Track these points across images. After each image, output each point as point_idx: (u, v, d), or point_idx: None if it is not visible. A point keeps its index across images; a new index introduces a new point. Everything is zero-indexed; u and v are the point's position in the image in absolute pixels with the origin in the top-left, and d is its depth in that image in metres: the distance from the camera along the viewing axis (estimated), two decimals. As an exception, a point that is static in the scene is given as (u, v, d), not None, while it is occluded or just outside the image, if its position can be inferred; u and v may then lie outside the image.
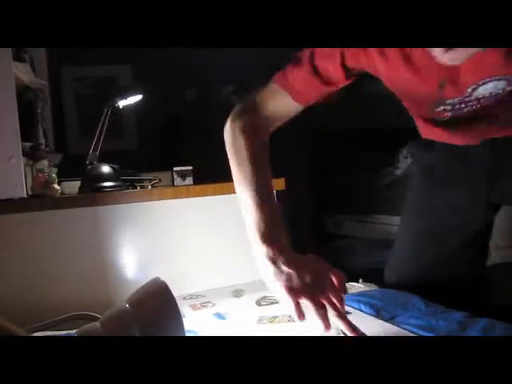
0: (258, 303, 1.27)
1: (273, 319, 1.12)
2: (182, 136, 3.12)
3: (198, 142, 2.95)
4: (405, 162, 3.00)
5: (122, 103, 1.63)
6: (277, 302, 1.26)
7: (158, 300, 0.83)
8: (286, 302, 0.87)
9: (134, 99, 1.65)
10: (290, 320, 1.10)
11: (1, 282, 1.25)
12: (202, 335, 1.05)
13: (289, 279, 0.87)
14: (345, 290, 0.89)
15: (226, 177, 1.58)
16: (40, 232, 1.31)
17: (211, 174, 1.60)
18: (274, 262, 0.90)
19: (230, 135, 1.13)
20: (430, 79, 1.01)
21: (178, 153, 2.98)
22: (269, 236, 0.95)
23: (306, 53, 1.08)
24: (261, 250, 0.93)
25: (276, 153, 1.39)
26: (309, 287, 0.86)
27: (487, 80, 0.98)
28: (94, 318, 0.96)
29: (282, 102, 1.15)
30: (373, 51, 1.01)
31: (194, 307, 1.27)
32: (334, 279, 0.89)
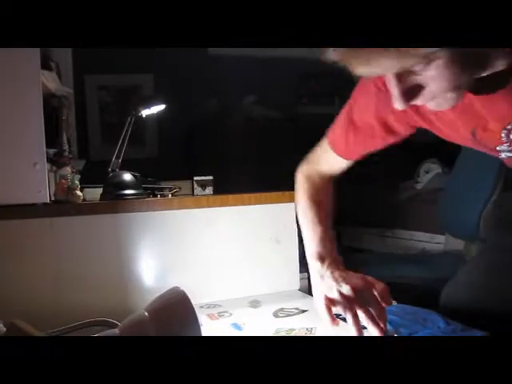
0: (275, 315, 1.27)
1: (290, 331, 1.12)
2: (202, 146, 3.14)
3: (218, 152, 2.97)
4: (426, 177, 2.97)
5: (145, 112, 1.64)
6: (294, 314, 1.26)
7: (177, 309, 0.84)
8: (320, 310, 1.00)
9: (157, 109, 1.67)
10: (308, 332, 1.09)
11: (21, 286, 1.27)
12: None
13: (329, 290, 1.00)
14: (388, 301, 0.98)
15: (246, 187, 1.59)
16: (61, 237, 1.32)
17: (231, 184, 1.61)
18: (321, 275, 1.04)
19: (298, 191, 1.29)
20: (460, 130, 0.98)
21: (199, 162, 3.00)
22: (319, 253, 1.10)
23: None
24: (313, 265, 1.08)
25: (296, 165, 1.40)
26: (346, 298, 0.97)
27: None
28: (113, 325, 0.97)
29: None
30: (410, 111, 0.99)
31: (211, 316, 1.27)
32: (376, 293, 0.97)
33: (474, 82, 0.80)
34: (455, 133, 1.01)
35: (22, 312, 1.12)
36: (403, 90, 0.77)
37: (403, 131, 1.09)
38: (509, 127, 0.92)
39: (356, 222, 3.19)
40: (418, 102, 0.79)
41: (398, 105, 0.78)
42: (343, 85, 1.11)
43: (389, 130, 1.09)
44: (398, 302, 1.35)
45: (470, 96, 0.88)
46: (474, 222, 2.14)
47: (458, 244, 2.46)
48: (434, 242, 2.75)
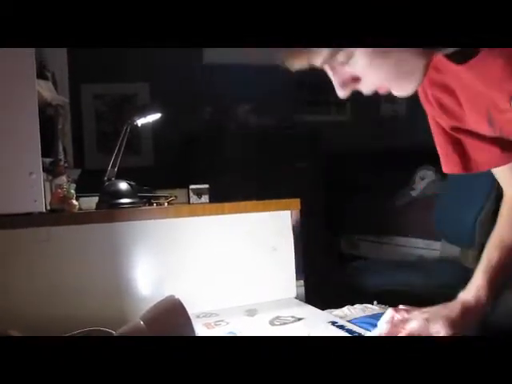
0: (272, 323, 1.27)
1: (286, 339, 1.12)
2: (198, 154, 3.15)
3: (214, 160, 2.97)
4: (421, 183, 2.98)
5: (140, 121, 1.65)
6: (290, 323, 1.26)
7: (173, 318, 0.84)
8: None
9: (153, 117, 1.67)
10: (304, 341, 1.09)
11: (16, 296, 1.27)
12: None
13: None
14: None
15: (242, 196, 1.60)
16: (57, 246, 1.32)
17: (227, 192, 1.61)
18: None
19: None
20: (478, 119, 0.94)
21: (195, 170, 3.01)
22: None
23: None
24: None
25: (292, 173, 1.40)
26: None
27: None
28: (109, 334, 0.97)
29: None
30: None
31: (207, 326, 1.27)
32: None
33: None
34: (476, 123, 0.95)
35: (17, 321, 1.11)
36: (340, 80, 0.81)
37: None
38: None
39: (353, 229, 3.20)
40: (361, 89, 0.83)
41: (339, 93, 0.83)
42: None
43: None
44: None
45: (465, 75, 0.87)
46: (471, 228, 2.15)
47: (453, 251, 2.46)
48: (430, 248, 2.76)
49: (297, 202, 1.57)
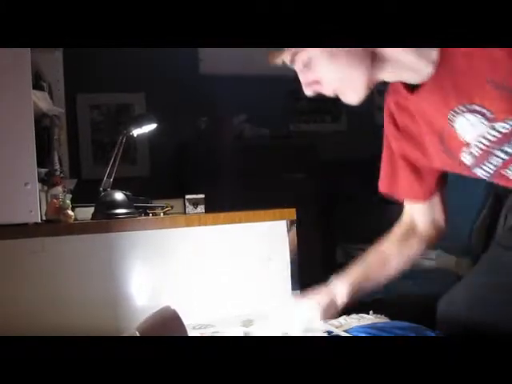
0: (268, 333, 1.26)
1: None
2: (194, 164, 3.15)
3: (210, 170, 2.97)
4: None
5: (136, 131, 1.65)
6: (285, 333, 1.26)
7: (169, 329, 0.84)
8: None
9: (149, 128, 1.67)
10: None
11: (12, 305, 1.26)
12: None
13: None
14: None
15: (238, 206, 1.60)
16: (53, 257, 1.32)
17: (223, 202, 1.61)
18: None
19: None
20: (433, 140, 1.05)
21: (190, 180, 3.01)
22: None
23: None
24: None
25: (288, 183, 1.41)
26: None
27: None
28: (104, 345, 0.96)
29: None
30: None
31: (203, 336, 1.26)
32: None
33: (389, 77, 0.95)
34: (432, 147, 1.06)
35: (12, 331, 1.11)
36: (304, 82, 0.95)
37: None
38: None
39: (349, 238, 3.19)
40: (322, 91, 0.96)
41: (305, 92, 0.96)
42: (335, 102, 1.12)
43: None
44: (390, 318, 1.35)
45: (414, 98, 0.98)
46: (467, 237, 2.16)
47: (449, 260, 2.47)
48: (426, 257, 2.76)
49: (292, 212, 1.57)
